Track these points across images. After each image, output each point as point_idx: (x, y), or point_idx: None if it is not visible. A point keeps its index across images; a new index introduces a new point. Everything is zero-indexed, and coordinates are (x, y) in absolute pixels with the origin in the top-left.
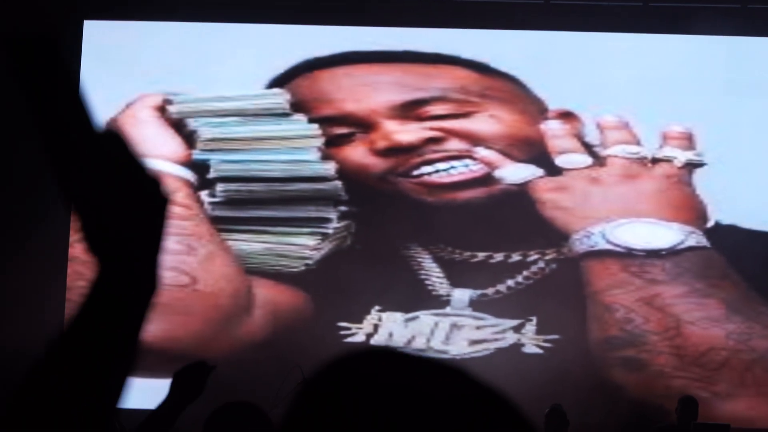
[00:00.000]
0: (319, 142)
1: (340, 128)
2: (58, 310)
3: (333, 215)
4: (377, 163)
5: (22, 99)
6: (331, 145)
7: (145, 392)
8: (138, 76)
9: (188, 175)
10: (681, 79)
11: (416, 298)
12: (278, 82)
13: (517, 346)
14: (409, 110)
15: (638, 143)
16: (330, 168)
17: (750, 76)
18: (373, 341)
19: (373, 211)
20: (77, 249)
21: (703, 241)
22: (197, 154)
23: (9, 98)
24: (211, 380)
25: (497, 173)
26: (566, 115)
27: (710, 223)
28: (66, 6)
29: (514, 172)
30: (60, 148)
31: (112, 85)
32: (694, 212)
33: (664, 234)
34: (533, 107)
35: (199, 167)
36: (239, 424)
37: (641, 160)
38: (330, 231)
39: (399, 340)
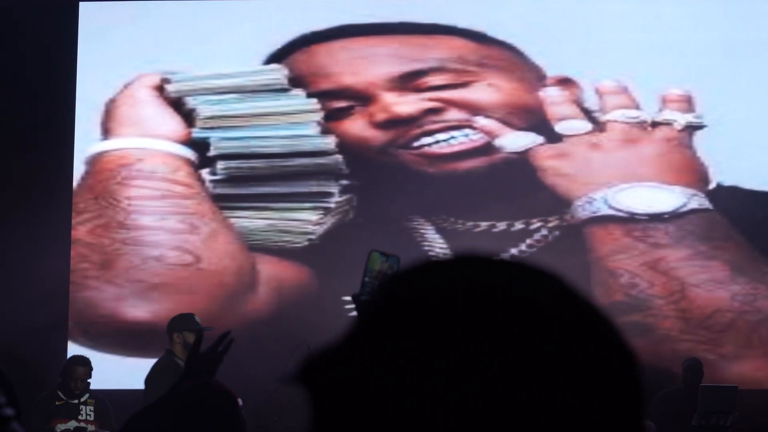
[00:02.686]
0: (319, 116)
1: (339, 102)
2: (61, 292)
3: (334, 189)
4: (377, 136)
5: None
6: (331, 119)
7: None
8: (135, 56)
9: (189, 153)
10: (678, 42)
11: None
12: (276, 57)
13: None
14: (408, 82)
15: (637, 107)
16: (330, 142)
17: (747, 36)
18: None
19: (374, 183)
20: (80, 231)
21: (706, 203)
22: (197, 132)
23: (11, 91)
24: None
25: (497, 142)
26: (565, 82)
27: (712, 185)
28: None
29: (514, 141)
30: None
31: (109, 66)
32: (695, 175)
33: (666, 197)
34: (531, 75)
35: (199, 145)
36: (200, 403)
37: (641, 124)
38: (332, 205)
39: None
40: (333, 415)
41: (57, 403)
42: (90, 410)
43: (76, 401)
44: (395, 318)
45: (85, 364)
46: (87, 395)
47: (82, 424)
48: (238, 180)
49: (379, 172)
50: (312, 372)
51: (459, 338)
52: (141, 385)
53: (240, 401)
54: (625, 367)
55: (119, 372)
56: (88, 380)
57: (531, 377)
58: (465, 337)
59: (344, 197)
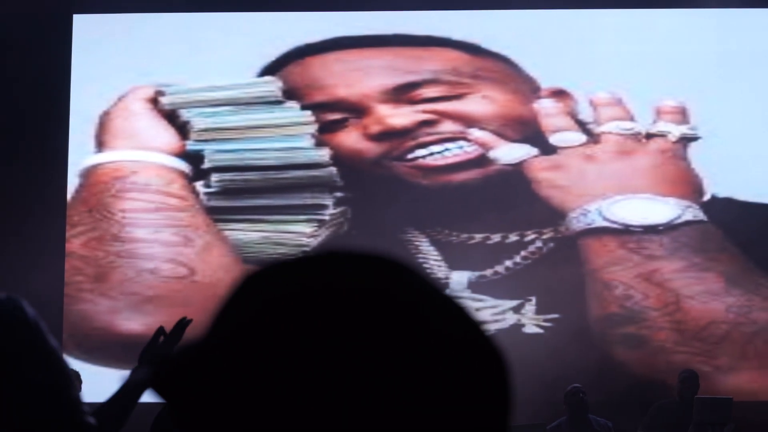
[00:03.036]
0: (313, 128)
1: (333, 114)
2: (55, 305)
3: (329, 201)
4: (371, 148)
5: None
6: (325, 131)
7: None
8: (129, 68)
9: (183, 166)
10: (672, 54)
11: None
12: (270, 69)
13: (517, 327)
14: (402, 94)
15: (632, 119)
16: (324, 154)
17: (741, 48)
18: None
19: (368, 196)
20: (74, 244)
21: (700, 215)
22: (191, 145)
23: (4, 102)
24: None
25: (492, 154)
26: (559, 94)
27: (706, 197)
28: (55, 0)
29: (508, 153)
30: None
31: (103, 79)
32: (689, 186)
33: (661, 209)
34: (525, 86)
35: (194, 158)
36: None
37: (635, 136)
38: (326, 217)
39: None
40: (191, 418)
41: None
42: None
43: None
44: (248, 317)
45: (75, 378)
46: None
47: None
48: (232, 192)
49: (374, 185)
50: (167, 379)
51: (313, 335)
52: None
53: None
54: (484, 358)
55: (113, 385)
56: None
57: (389, 372)
58: (319, 334)
59: (339, 209)
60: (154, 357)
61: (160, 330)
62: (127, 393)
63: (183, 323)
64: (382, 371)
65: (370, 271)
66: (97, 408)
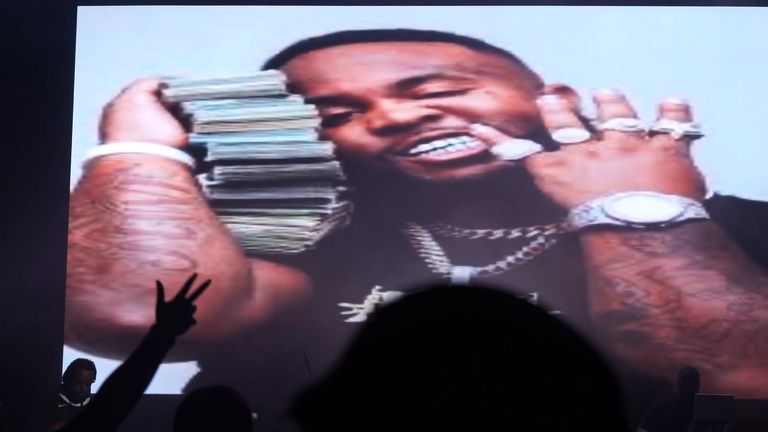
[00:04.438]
0: (316, 122)
1: (337, 108)
2: (58, 296)
3: (331, 195)
4: (374, 142)
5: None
6: (328, 125)
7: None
8: (133, 60)
9: (186, 158)
10: (676, 51)
11: (417, 276)
12: (273, 63)
13: None
14: (405, 88)
15: (635, 116)
16: (327, 148)
17: (745, 46)
18: None
19: (371, 190)
20: (76, 236)
21: (702, 213)
22: (194, 138)
23: (8, 94)
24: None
25: (495, 149)
26: (562, 90)
27: (709, 195)
28: None
29: (511, 148)
30: None
31: (107, 71)
32: (692, 184)
33: (663, 206)
34: (529, 82)
35: (197, 150)
36: (214, 409)
37: (638, 133)
38: (329, 211)
39: None
40: None
41: (59, 406)
42: None
43: (79, 405)
44: (384, 348)
45: (90, 368)
46: (88, 399)
47: None
48: (235, 185)
49: (377, 179)
50: (306, 405)
51: (446, 365)
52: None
53: (255, 415)
54: (606, 390)
55: None
56: (92, 384)
57: (518, 401)
58: (452, 364)
59: (341, 203)
60: (173, 313)
61: (160, 285)
62: (150, 351)
63: (192, 281)
64: (513, 395)
65: (493, 302)
66: (121, 365)
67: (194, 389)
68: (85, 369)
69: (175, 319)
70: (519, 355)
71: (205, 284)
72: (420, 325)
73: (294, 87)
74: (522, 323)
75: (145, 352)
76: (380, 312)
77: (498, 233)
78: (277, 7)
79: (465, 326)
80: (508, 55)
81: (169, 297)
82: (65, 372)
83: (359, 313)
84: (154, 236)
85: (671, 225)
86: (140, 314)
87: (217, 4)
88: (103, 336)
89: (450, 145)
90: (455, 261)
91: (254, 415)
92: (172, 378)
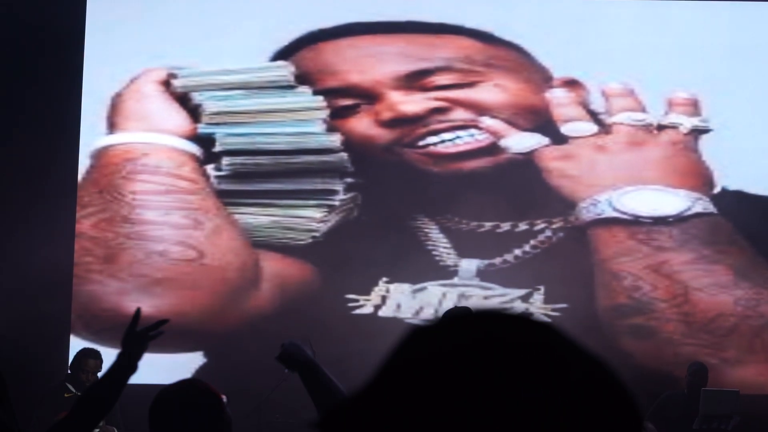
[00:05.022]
0: (324, 114)
1: (345, 100)
2: (66, 286)
3: (339, 187)
4: (383, 134)
5: None
6: (336, 116)
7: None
8: (142, 50)
9: (194, 149)
10: (685, 46)
11: (424, 268)
12: (282, 54)
13: None
14: (414, 81)
15: (644, 110)
16: (335, 140)
17: (754, 41)
18: (381, 313)
19: (379, 182)
20: (84, 225)
21: (710, 208)
22: (202, 128)
23: (18, 83)
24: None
25: (503, 142)
26: (571, 83)
27: (717, 189)
28: None
29: (519, 141)
30: None
31: (116, 60)
32: (700, 178)
33: (671, 201)
34: (538, 76)
35: (205, 141)
36: (186, 403)
37: (647, 127)
38: (336, 203)
39: (407, 311)
40: None
41: (66, 395)
42: None
43: None
44: (412, 372)
45: (96, 356)
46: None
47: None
48: (243, 176)
49: (384, 171)
50: (334, 422)
51: (473, 390)
52: (143, 380)
53: (224, 398)
54: (628, 419)
55: None
56: (98, 374)
57: (545, 427)
58: (479, 389)
59: (349, 195)
60: (134, 343)
61: (138, 312)
62: (113, 378)
63: (162, 323)
64: (540, 421)
65: (523, 328)
66: (85, 391)
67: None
68: (90, 358)
69: (136, 346)
70: (545, 381)
71: (162, 322)
72: (453, 349)
73: (303, 78)
74: (548, 350)
75: (110, 375)
76: (415, 333)
77: (505, 226)
78: None
79: (497, 352)
80: (517, 48)
81: (175, 283)
82: (71, 362)
83: (366, 304)
84: (161, 226)
85: (679, 219)
86: (147, 304)
87: None
88: (109, 325)
89: (458, 137)
90: (462, 253)
91: (224, 397)
92: (178, 368)
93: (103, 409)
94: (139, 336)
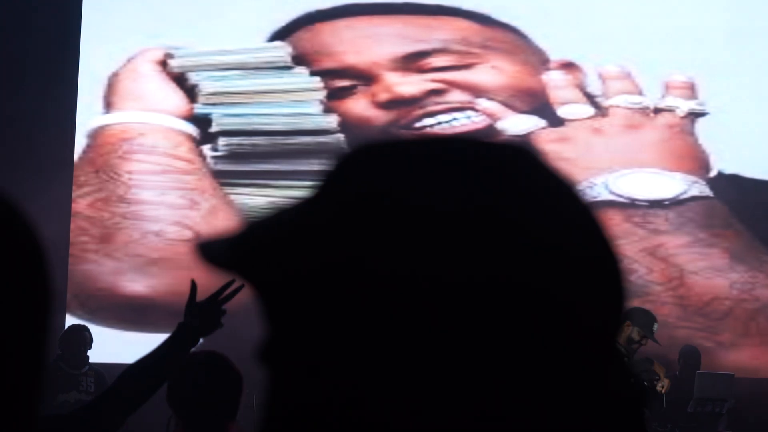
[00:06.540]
0: (321, 95)
1: (342, 81)
2: (61, 265)
3: None
4: (379, 116)
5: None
6: (333, 97)
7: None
8: (139, 30)
9: (190, 129)
10: (683, 29)
11: None
12: (279, 35)
13: None
14: (411, 62)
15: (640, 93)
16: (332, 121)
17: (752, 24)
18: None
19: None
20: (80, 204)
21: (706, 191)
22: (199, 108)
23: (14, 62)
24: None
25: (499, 124)
26: (568, 66)
27: (713, 173)
28: None
29: (516, 124)
30: None
31: (113, 40)
32: (696, 162)
33: (667, 184)
34: (535, 58)
35: (201, 121)
36: (207, 373)
37: (643, 110)
38: None
39: None
40: (275, 302)
41: (59, 374)
42: (90, 381)
43: (77, 372)
44: (357, 196)
45: (83, 330)
46: (87, 367)
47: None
48: (239, 156)
49: None
50: (251, 256)
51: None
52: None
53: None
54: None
55: (117, 346)
56: (88, 350)
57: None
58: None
59: None
60: (202, 314)
61: (194, 284)
62: (173, 348)
63: (232, 287)
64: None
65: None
66: (143, 357)
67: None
68: (77, 333)
69: (203, 320)
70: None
71: (239, 288)
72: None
73: (299, 59)
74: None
75: (168, 348)
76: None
77: None
78: None
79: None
80: (514, 30)
81: (170, 263)
82: (59, 340)
83: None
84: (157, 206)
85: (675, 202)
86: (143, 284)
87: None
88: (105, 305)
89: (455, 119)
90: None
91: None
92: None
93: (153, 385)
94: (205, 306)
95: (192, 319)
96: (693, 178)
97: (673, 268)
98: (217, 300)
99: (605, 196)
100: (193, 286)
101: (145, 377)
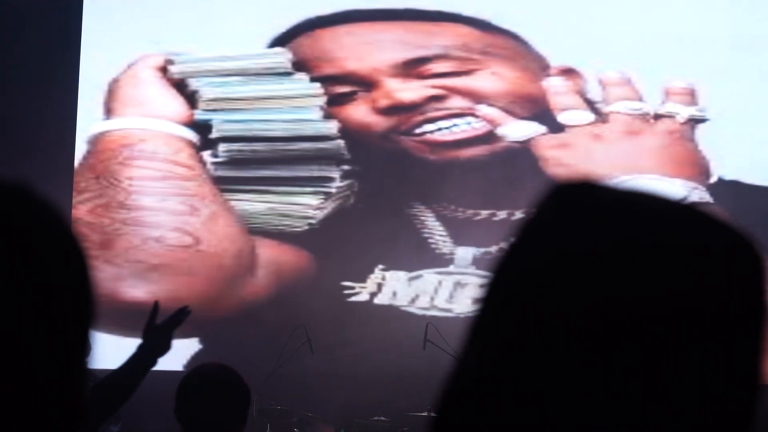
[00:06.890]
0: (321, 101)
1: (342, 87)
2: None
3: (336, 174)
4: (379, 122)
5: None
6: (333, 104)
7: None
8: (139, 36)
9: (190, 135)
10: (683, 34)
11: (420, 256)
12: (280, 41)
13: None
14: (411, 68)
15: (640, 99)
16: (332, 127)
17: (753, 30)
18: (377, 300)
19: (375, 169)
20: (80, 210)
21: (706, 197)
22: (199, 114)
23: (13, 67)
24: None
25: (500, 131)
26: (568, 72)
27: (713, 179)
28: None
29: (516, 130)
30: None
31: (113, 46)
32: (696, 168)
33: (667, 190)
34: (535, 64)
35: (202, 127)
36: (216, 385)
37: (644, 116)
38: (333, 190)
39: (403, 299)
40: None
41: None
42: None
43: None
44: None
45: None
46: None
47: None
48: (239, 163)
49: (381, 158)
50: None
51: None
52: None
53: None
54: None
55: (117, 352)
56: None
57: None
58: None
59: (345, 182)
60: (157, 336)
61: (156, 305)
62: (133, 368)
63: (185, 312)
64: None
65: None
66: (101, 380)
67: (195, 366)
68: None
69: (159, 342)
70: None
71: (186, 313)
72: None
73: (300, 65)
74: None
75: (131, 366)
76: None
77: (502, 214)
78: None
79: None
80: (514, 37)
81: (171, 270)
82: None
83: (362, 292)
84: (157, 212)
85: None
86: (143, 290)
87: None
88: (105, 311)
89: (455, 125)
90: (458, 241)
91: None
92: (173, 354)
93: (118, 400)
94: (161, 329)
95: (149, 340)
96: (693, 184)
97: None
98: (172, 324)
99: None
100: (155, 307)
101: (113, 390)
